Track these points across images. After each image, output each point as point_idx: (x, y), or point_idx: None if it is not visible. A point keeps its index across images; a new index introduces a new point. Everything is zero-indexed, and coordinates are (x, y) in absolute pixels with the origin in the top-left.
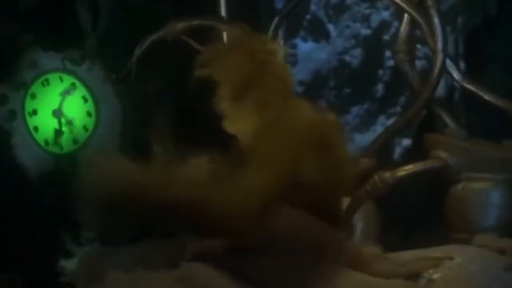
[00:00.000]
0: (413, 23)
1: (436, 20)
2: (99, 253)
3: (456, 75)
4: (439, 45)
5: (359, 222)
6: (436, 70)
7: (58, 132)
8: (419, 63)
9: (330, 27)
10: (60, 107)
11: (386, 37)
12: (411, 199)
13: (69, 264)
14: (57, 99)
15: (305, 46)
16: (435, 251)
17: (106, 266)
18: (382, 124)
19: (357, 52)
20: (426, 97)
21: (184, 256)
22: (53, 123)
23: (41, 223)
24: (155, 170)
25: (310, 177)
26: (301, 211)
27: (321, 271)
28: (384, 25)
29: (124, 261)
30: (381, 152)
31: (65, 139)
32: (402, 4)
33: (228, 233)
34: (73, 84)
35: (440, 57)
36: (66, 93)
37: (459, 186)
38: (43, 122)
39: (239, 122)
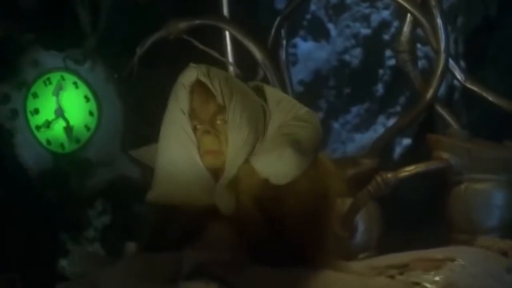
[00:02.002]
0: (415, 22)
1: (439, 20)
2: (98, 260)
3: (458, 75)
4: (442, 45)
5: (361, 222)
6: (439, 69)
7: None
8: (419, 63)
9: (330, 26)
10: (60, 106)
11: (386, 36)
12: (413, 200)
13: (68, 264)
14: (55, 98)
15: (305, 46)
16: (437, 252)
17: (101, 274)
18: (382, 124)
19: (357, 51)
20: (429, 97)
21: (183, 268)
22: (55, 122)
23: (42, 223)
24: None
25: None
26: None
27: (316, 277)
28: (384, 25)
29: (122, 271)
30: (382, 152)
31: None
32: (405, 3)
33: None
34: (62, 78)
35: (443, 56)
36: (58, 89)
37: (462, 187)
38: (45, 121)
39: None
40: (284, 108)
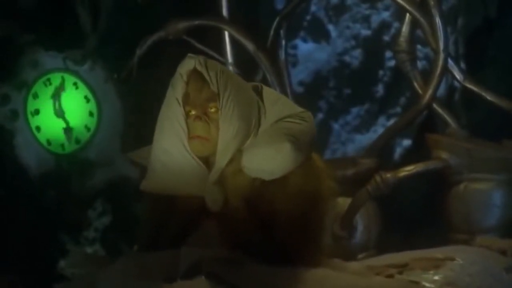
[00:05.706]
0: (414, 22)
1: (438, 20)
2: (95, 259)
3: (457, 74)
4: (441, 45)
5: (360, 222)
6: (438, 69)
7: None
8: (419, 64)
9: (330, 27)
10: (61, 106)
11: (386, 37)
12: (413, 200)
13: (68, 265)
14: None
15: (305, 47)
16: (437, 252)
17: (100, 274)
18: (382, 124)
19: (357, 52)
20: (428, 96)
21: (180, 265)
22: (55, 123)
23: (43, 223)
24: None
25: None
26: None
27: (313, 276)
28: (384, 26)
29: (120, 270)
30: (382, 152)
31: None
32: (404, 4)
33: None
34: (62, 79)
35: (442, 56)
36: (60, 90)
37: (461, 187)
38: (45, 122)
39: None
40: (279, 108)
